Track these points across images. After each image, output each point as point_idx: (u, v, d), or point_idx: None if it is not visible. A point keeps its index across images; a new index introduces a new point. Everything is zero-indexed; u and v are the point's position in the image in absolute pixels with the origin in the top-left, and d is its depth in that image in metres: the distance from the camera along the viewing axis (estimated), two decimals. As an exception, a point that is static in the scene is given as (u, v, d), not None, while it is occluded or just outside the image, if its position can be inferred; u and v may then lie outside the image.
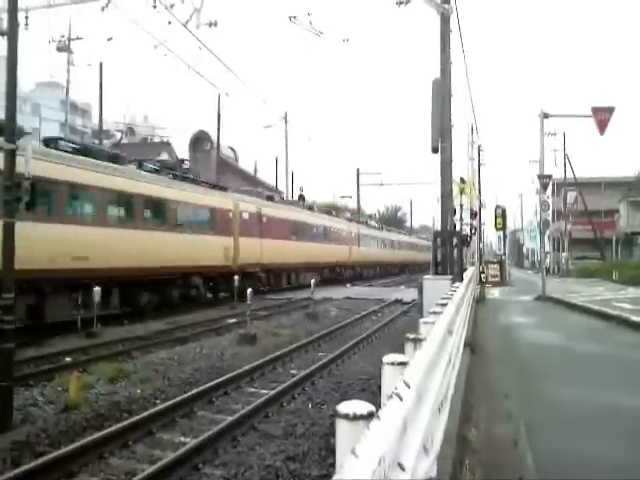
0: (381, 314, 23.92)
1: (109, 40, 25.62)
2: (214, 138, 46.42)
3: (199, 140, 51.04)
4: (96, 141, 38.46)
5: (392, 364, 3.26)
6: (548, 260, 41.53)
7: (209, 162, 46.38)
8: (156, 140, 61.65)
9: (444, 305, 6.92)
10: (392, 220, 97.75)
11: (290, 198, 48.24)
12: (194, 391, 10.11)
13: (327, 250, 39.64)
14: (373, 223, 63.42)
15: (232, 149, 57.87)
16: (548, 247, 58.03)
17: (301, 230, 35.39)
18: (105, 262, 18.07)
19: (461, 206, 32.21)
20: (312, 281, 23.99)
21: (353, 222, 50.90)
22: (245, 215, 28.07)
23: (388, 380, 3.22)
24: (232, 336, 16.65)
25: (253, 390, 11.01)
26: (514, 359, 12.32)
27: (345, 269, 45.89)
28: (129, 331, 17.55)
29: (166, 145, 57.52)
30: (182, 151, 54.72)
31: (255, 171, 59.16)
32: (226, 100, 67.82)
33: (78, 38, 37.50)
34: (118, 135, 58.56)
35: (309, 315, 21.71)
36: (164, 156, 54.67)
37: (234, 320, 20.13)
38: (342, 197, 73.70)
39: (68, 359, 13.40)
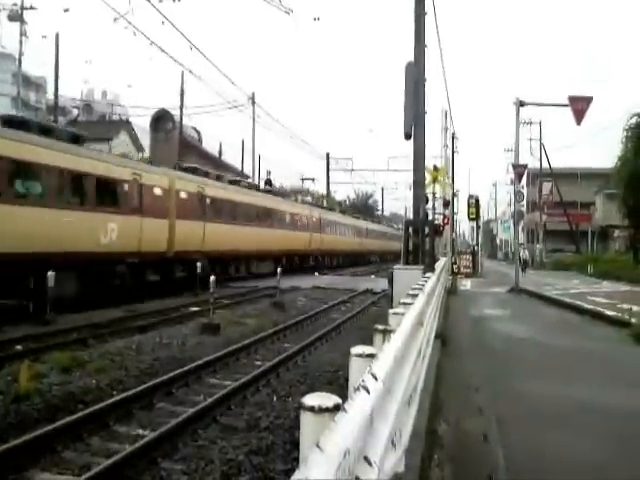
0: (350, 304, 23.93)
1: (66, 11, 25.25)
2: (177, 118, 45.98)
3: (161, 119, 50.18)
4: (51, 117, 37.83)
5: (360, 356, 3.26)
6: (522, 252, 41.67)
7: (171, 143, 45.87)
8: (115, 118, 60.79)
9: (415, 296, 6.96)
10: (363, 207, 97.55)
11: (257, 182, 47.84)
12: (153, 382, 10.05)
13: (283, 237, 37.50)
14: (339, 210, 60.96)
15: (196, 130, 57.08)
16: (522, 238, 58.45)
17: (253, 214, 33.05)
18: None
19: (434, 194, 32.41)
20: (278, 270, 23.27)
21: (316, 207, 49.39)
22: (183, 194, 25.41)
23: (356, 372, 3.22)
24: (194, 325, 16.51)
25: (215, 381, 10.99)
26: (485, 351, 12.45)
27: (305, 258, 44.09)
28: (85, 318, 17.34)
29: (125, 124, 56.78)
30: (142, 131, 54.08)
31: (220, 154, 58.54)
32: (192, 80, 66.85)
33: (32, 8, 36.84)
34: (75, 112, 57.68)
35: (275, 304, 21.56)
36: (123, 136, 54.10)
37: (196, 309, 19.99)
38: (303, 179, 71.50)
39: (19, 347, 13.21)
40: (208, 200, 27.49)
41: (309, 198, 57.08)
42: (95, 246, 19.83)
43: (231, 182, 32.71)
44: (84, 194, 19.71)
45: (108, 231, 20.47)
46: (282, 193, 46.43)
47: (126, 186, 21.64)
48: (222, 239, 28.54)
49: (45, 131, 18.79)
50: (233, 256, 30.88)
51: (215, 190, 28.58)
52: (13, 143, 16.93)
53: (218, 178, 30.83)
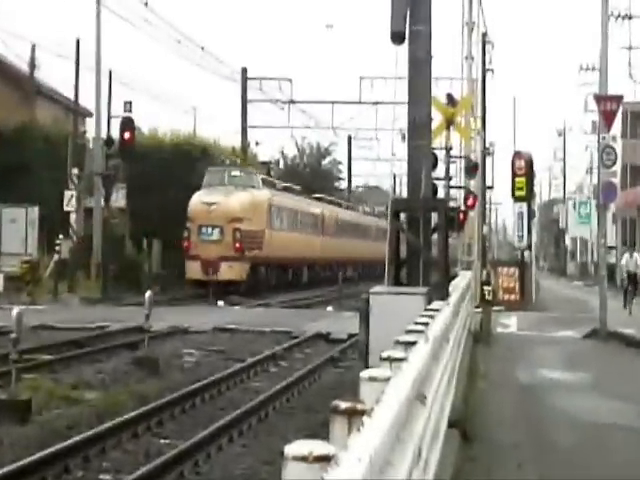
0: (287, 362, 15.37)
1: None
2: None
3: None
4: None
5: (303, 460, 1.72)
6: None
7: None
8: None
9: (410, 343, 4.38)
10: (311, 176, 58.73)
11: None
12: None
13: None
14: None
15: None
16: (613, 237, 37.53)
17: None
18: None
19: (448, 151, 19.88)
20: (147, 294, 14.09)
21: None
22: None
23: None
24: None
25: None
26: (549, 459, 7.43)
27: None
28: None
29: None
30: None
31: (32, 65, 37.06)
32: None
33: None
34: None
35: (140, 362, 13.49)
36: None
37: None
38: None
39: None
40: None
41: None
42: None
43: None
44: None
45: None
46: None
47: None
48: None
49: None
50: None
51: None
52: None
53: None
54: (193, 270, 30.30)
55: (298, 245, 35.57)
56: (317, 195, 43.61)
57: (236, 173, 32.91)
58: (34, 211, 27.95)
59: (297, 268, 37.11)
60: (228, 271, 29.83)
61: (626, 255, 24.81)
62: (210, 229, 30.27)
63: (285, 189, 38.05)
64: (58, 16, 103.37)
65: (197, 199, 31.01)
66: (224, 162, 35.05)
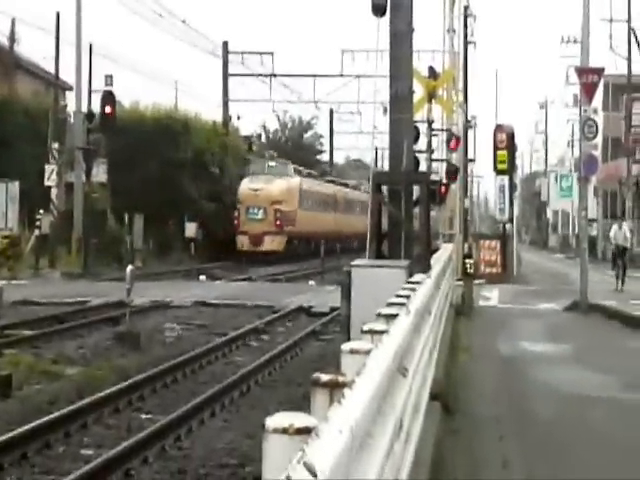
0: (269, 336, 15.22)
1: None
2: None
3: None
4: None
5: (284, 432, 1.74)
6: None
7: None
8: None
9: (391, 316, 4.35)
10: (294, 149, 59.74)
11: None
12: None
13: None
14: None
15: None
16: (595, 210, 36.93)
17: None
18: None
19: (430, 124, 20.56)
20: (128, 269, 14.10)
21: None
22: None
23: (275, 465, 1.72)
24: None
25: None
26: (525, 426, 7.59)
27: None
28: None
29: None
30: None
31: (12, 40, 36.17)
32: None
33: None
34: None
35: (121, 337, 13.44)
36: None
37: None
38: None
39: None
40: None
41: None
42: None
43: None
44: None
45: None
46: None
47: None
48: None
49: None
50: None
51: None
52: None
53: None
54: (242, 242, 37.33)
55: (319, 221, 42.20)
56: (329, 178, 49.06)
57: (273, 164, 40.96)
58: (14, 186, 27.65)
59: (317, 240, 40.24)
60: (270, 243, 37.48)
61: (614, 227, 23.89)
62: (256, 209, 37.62)
63: (308, 175, 45.29)
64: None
65: (245, 186, 38.40)
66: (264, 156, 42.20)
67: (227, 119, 41.14)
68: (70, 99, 33.56)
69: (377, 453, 2.57)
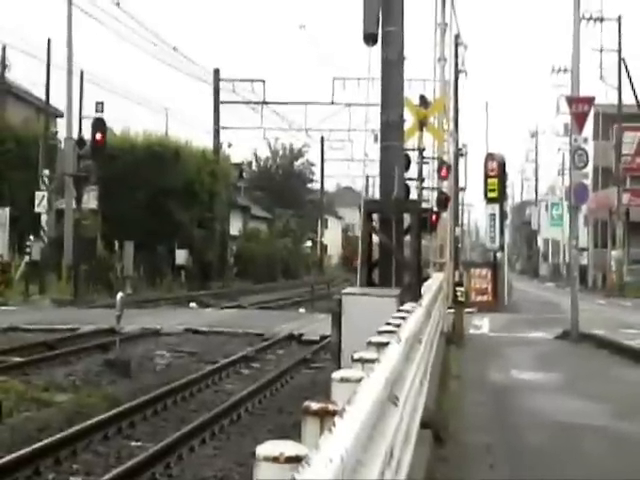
0: (259, 364, 15.23)
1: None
2: None
3: None
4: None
5: (274, 460, 1.83)
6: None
7: None
8: None
9: (382, 345, 4.30)
10: (284, 178, 61.83)
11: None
12: None
13: None
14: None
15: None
16: (585, 238, 36.97)
17: None
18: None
19: (421, 152, 20.72)
20: (118, 296, 14.09)
21: None
22: None
23: None
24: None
25: None
26: (520, 458, 7.52)
27: None
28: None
29: None
30: None
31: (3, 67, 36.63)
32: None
33: None
34: None
35: (112, 364, 13.38)
36: None
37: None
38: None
39: None
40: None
41: None
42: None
43: None
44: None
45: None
46: None
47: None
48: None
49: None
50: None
51: None
52: None
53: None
54: None
55: None
56: None
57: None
58: (5, 212, 27.77)
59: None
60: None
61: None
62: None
63: None
64: (29, 16, 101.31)
65: None
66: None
67: (218, 146, 41.01)
68: (61, 125, 33.72)
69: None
